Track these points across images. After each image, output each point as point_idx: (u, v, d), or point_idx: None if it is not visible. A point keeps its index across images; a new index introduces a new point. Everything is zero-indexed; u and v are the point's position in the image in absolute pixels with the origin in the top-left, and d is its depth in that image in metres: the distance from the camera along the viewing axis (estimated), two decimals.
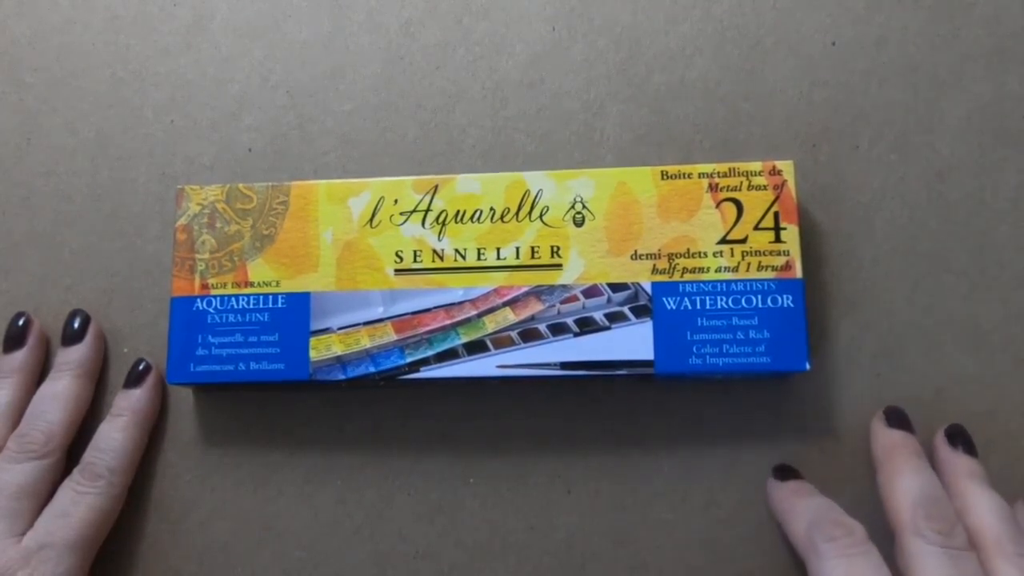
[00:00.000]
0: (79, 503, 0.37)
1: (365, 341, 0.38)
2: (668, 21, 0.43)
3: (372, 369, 0.38)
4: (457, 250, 0.38)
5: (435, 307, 0.38)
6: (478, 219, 0.38)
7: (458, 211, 0.38)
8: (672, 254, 0.37)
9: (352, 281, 0.38)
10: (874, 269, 0.40)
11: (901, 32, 0.42)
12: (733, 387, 0.39)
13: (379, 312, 0.38)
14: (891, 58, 0.42)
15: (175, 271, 0.39)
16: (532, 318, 0.37)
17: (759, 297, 0.37)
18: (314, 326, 0.38)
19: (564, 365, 0.37)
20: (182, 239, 0.39)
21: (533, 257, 0.38)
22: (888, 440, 0.36)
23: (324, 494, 0.40)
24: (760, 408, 0.39)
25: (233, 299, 0.39)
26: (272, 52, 0.44)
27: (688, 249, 0.37)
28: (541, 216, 0.38)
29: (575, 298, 0.37)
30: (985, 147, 0.40)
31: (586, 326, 0.37)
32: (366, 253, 0.38)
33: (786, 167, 0.38)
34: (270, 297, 0.39)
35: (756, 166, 0.38)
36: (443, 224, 0.38)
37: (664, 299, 0.37)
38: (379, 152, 0.43)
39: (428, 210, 0.39)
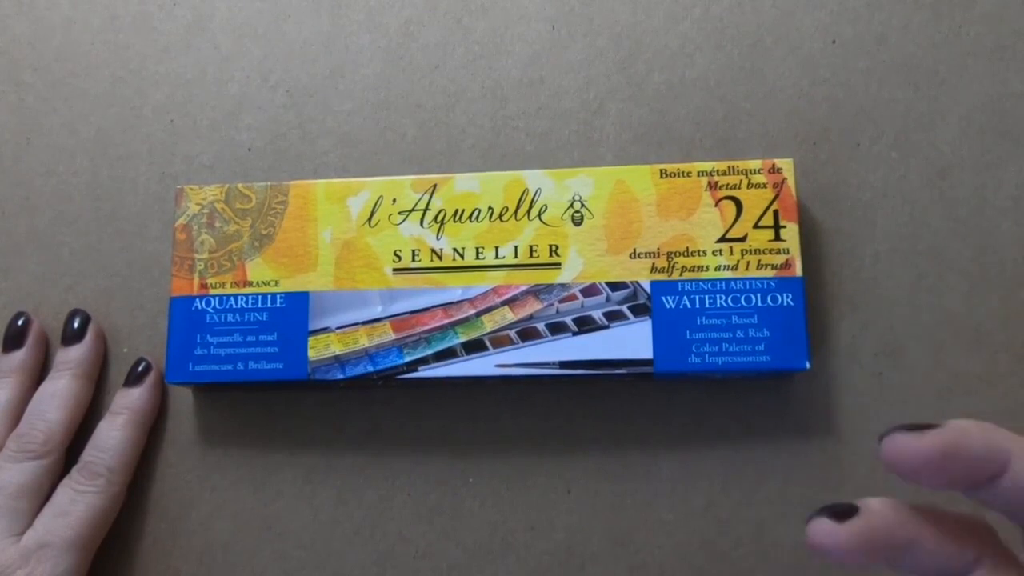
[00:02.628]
0: (78, 502, 0.37)
1: (364, 340, 0.38)
2: (668, 20, 0.43)
3: (371, 368, 0.38)
4: (455, 249, 0.38)
5: (433, 306, 0.38)
6: (476, 218, 0.38)
7: (456, 210, 0.38)
8: (671, 253, 0.37)
9: (351, 280, 0.38)
10: (875, 267, 0.40)
11: (902, 30, 0.42)
12: (733, 386, 0.39)
13: (377, 311, 0.38)
14: (892, 56, 0.41)
15: (174, 271, 0.39)
16: (531, 317, 0.37)
17: (759, 296, 0.37)
18: (312, 325, 0.38)
19: (563, 364, 0.37)
20: (181, 239, 0.39)
21: (532, 256, 0.38)
22: None
23: (324, 494, 0.40)
24: (760, 408, 0.39)
25: (232, 299, 0.39)
26: (272, 52, 0.44)
27: (687, 248, 0.37)
28: (540, 215, 0.38)
29: (574, 297, 0.37)
30: (986, 145, 0.40)
31: (585, 325, 0.37)
32: (364, 252, 0.38)
33: (786, 165, 0.38)
34: (269, 296, 0.39)
35: (755, 164, 0.38)
36: (441, 223, 0.38)
37: (663, 298, 0.37)
38: (378, 152, 0.43)
39: (427, 209, 0.39)
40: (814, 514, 0.25)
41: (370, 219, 0.39)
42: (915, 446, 0.24)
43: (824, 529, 0.24)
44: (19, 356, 0.41)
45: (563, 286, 0.37)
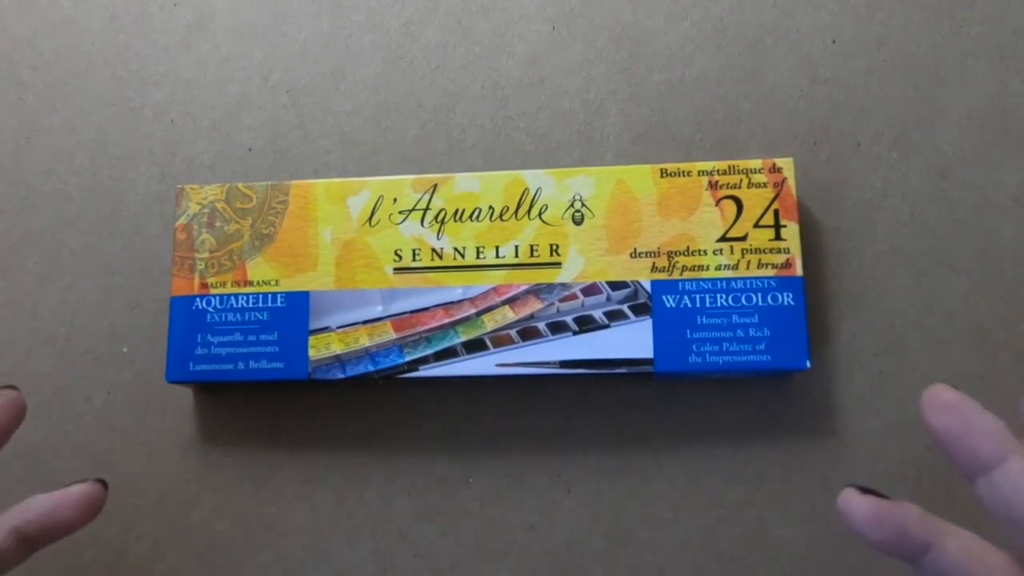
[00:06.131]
0: None
1: (364, 340, 0.38)
2: (668, 20, 0.43)
3: (371, 368, 0.38)
4: (456, 249, 0.38)
5: (434, 306, 0.38)
6: (477, 218, 0.38)
7: (457, 210, 0.38)
8: (672, 252, 0.37)
9: (351, 280, 0.38)
10: (875, 267, 0.40)
11: (902, 30, 0.42)
12: (733, 386, 0.39)
13: (378, 311, 0.38)
14: (892, 55, 0.41)
15: (175, 270, 0.39)
16: (531, 316, 0.37)
17: (759, 295, 0.37)
18: (313, 325, 0.38)
19: (563, 364, 0.37)
20: (182, 238, 0.39)
21: (532, 255, 0.38)
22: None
23: (324, 494, 0.40)
24: (760, 407, 0.39)
25: (232, 298, 0.39)
26: (272, 52, 0.44)
27: (688, 247, 0.37)
28: (540, 214, 0.38)
29: (574, 296, 0.37)
30: (987, 144, 0.40)
31: (585, 324, 0.37)
32: (365, 252, 0.38)
33: (786, 164, 0.38)
34: (269, 296, 0.39)
35: (756, 164, 0.38)
36: (442, 223, 0.38)
37: (664, 297, 0.37)
38: (379, 152, 0.43)
39: (427, 209, 0.39)
40: (848, 486, 0.28)
41: (371, 219, 0.39)
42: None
43: (849, 496, 0.28)
44: None
45: (564, 285, 0.37)
